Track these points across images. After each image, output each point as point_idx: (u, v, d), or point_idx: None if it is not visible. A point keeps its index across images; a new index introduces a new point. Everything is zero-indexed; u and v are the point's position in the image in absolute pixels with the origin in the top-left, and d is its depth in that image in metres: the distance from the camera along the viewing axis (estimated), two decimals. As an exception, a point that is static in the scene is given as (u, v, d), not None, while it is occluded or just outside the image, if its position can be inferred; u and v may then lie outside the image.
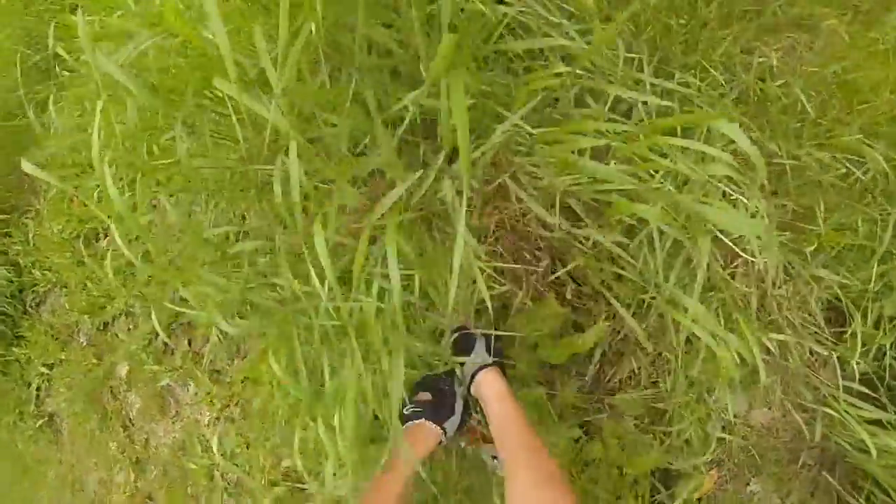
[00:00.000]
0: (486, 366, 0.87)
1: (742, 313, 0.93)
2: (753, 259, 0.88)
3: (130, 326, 1.44)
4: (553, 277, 1.10)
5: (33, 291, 1.69)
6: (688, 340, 1.02)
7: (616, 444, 0.99)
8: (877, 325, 1.18)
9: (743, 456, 1.21)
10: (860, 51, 1.23)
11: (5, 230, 1.79)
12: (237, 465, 1.27)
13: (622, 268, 0.91)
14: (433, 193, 0.80)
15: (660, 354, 1.11)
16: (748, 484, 1.23)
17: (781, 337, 1.00)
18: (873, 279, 1.06)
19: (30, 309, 1.70)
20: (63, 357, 1.62)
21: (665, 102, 0.90)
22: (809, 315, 1.15)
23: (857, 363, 1.08)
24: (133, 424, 1.50)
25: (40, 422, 1.70)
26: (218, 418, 1.28)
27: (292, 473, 1.18)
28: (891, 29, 1.23)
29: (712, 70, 1.11)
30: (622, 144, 0.70)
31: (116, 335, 1.49)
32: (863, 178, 1.10)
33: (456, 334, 0.94)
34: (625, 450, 1.01)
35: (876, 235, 1.09)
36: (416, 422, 0.82)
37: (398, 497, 0.70)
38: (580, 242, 1.02)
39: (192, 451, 1.34)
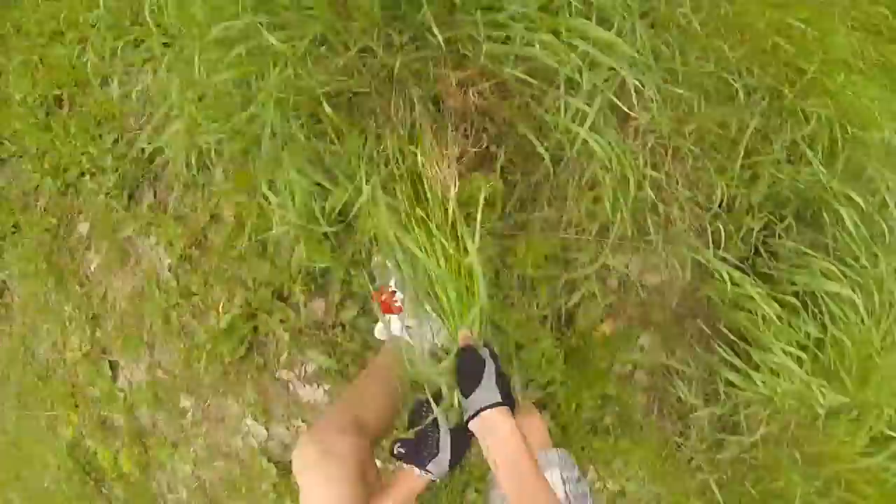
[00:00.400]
0: (494, 404, 0.73)
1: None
2: (633, 113, 1.09)
3: (97, 185, 1.50)
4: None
5: (-11, 163, 1.71)
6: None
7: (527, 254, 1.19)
8: (748, 212, 1.45)
9: (636, 311, 1.46)
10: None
11: (-39, 106, 1.77)
12: (193, 306, 1.38)
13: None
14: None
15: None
16: (639, 337, 1.48)
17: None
18: (739, 161, 1.32)
19: (-15, 180, 1.72)
20: (21, 220, 1.65)
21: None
22: (692, 192, 1.40)
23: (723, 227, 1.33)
24: (90, 280, 1.57)
25: (-10, 294, 1.72)
26: (182, 256, 1.38)
27: (245, 306, 1.31)
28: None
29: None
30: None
31: (78, 194, 1.55)
32: (740, 90, 1.35)
33: (461, 355, 0.79)
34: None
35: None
36: (399, 465, 0.77)
37: None
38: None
39: (151, 295, 1.44)
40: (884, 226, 1.29)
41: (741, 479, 1.40)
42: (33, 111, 1.62)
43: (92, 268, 1.56)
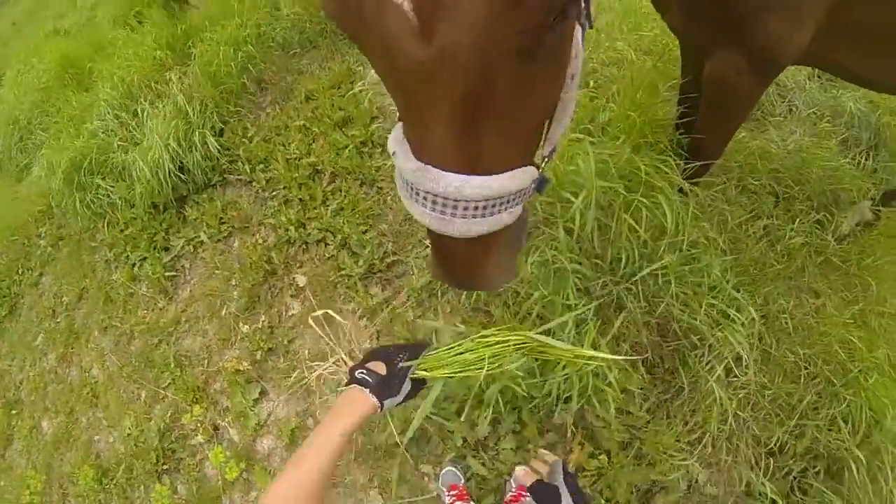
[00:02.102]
0: None
1: None
2: (738, 373, 1.57)
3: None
4: None
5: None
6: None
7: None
8: (792, 458, 1.88)
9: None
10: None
11: None
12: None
13: None
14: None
15: None
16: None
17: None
18: (794, 420, 1.77)
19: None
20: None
21: None
22: (759, 432, 1.83)
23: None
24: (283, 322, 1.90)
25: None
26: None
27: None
28: None
29: None
30: None
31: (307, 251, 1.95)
32: (804, 375, 1.83)
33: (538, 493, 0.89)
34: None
35: None
36: (360, 388, 0.83)
37: (321, 470, 0.71)
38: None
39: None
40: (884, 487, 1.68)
41: None
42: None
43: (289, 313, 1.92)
